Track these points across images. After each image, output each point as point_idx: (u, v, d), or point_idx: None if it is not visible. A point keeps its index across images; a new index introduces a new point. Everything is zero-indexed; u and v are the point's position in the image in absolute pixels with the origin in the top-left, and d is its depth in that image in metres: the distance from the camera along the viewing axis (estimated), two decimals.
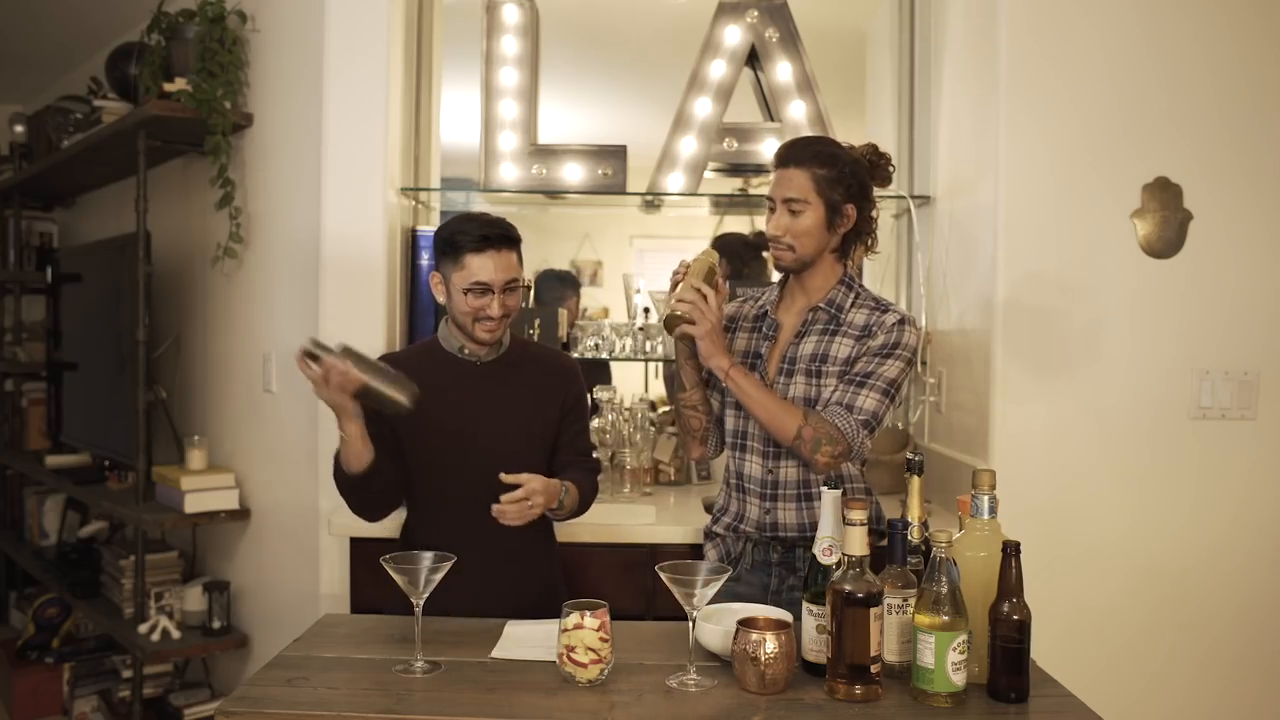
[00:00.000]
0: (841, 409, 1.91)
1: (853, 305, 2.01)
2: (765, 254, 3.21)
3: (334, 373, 1.80)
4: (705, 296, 1.89)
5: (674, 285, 1.97)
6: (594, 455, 2.20)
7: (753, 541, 2.05)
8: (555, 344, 2.87)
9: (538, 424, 2.09)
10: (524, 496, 1.89)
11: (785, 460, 2.00)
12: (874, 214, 2.03)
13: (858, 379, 1.93)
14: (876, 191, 2.10)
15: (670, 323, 1.92)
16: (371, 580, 2.18)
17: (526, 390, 2.08)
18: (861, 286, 2.05)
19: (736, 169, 2.94)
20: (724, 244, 3.23)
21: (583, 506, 2.10)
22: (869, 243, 2.05)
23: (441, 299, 2.05)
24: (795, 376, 1.99)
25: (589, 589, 2.20)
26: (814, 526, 1.98)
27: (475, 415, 2.03)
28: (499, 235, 1.96)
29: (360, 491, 1.99)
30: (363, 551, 2.38)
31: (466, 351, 2.07)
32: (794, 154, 1.98)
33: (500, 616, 1.89)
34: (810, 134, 2.13)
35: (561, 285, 3.25)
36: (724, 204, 3.09)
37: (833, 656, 1.52)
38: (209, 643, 3.04)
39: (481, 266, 1.95)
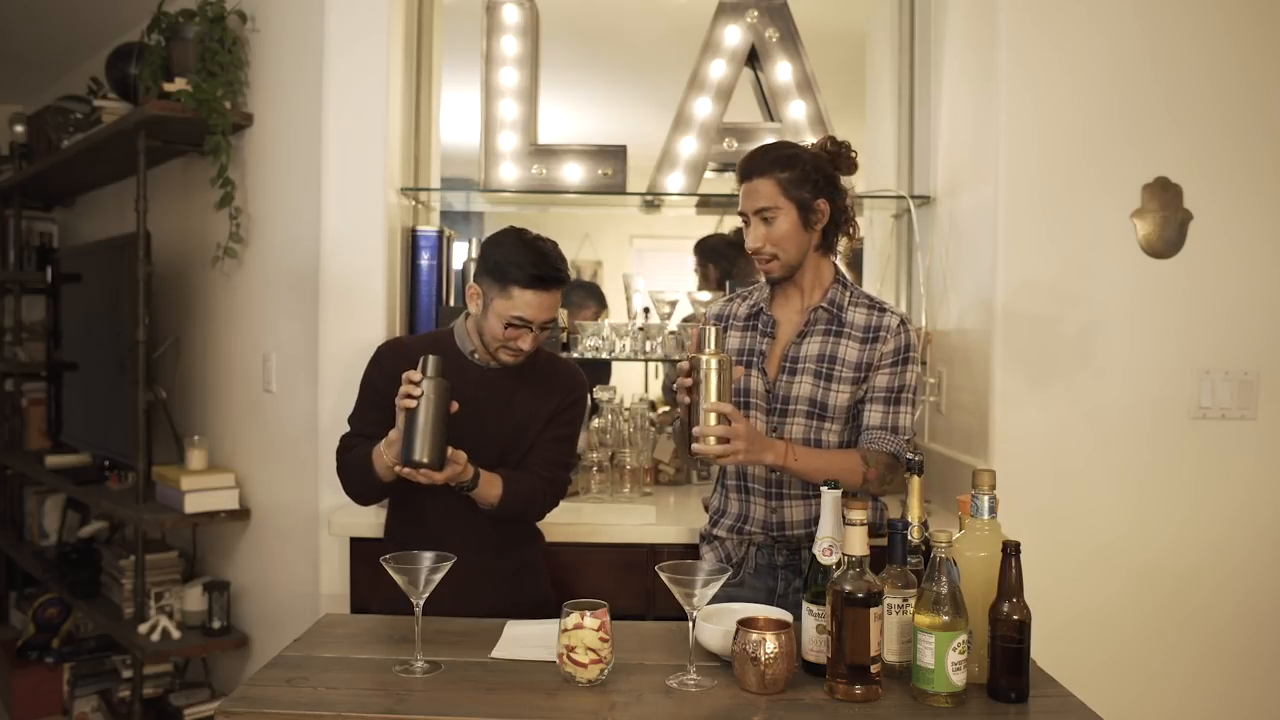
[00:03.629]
0: (887, 433, 1.96)
1: (850, 304, 2.03)
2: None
3: (405, 388, 1.83)
4: (728, 417, 1.77)
5: (681, 392, 1.82)
6: (562, 471, 2.10)
7: (756, 545, 2.05)
8: (555, 343, 2.87)
9: (530, 432, 2.08)
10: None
11: None
12: (848, 203, 2.04)
13: (890, 397, 1.97)
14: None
15: (701, 456, 1.79)
16: (372, 580, 2.18)
17: (526, 398, 2.07)
18: (854, 285, 2.07)
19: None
20: (708, 247, 3.25)
21: (508, 502, 1.99)
22: (850, 232, 2.05)
23: (475, 310, 2.02)
24: (800, 376, 1.99)
25: (589, 589, 2.20)
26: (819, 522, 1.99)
27: (474, 419, 2.02)
28: (552, 276, 1.95)
29: (369, 487, 2.02)
30: (363, 551, 2.38)
31: (477, 356, 2.06)
32: (754, 164, 1.98)
33: (483, 617, 1.88)
34: (775, 140, 2.08)
35: (586, 296, 3.26)
36: (723, 203, 3.09)
37: (833, 656, 1.52)
38: (209, 643, 3.04)
39: (528, 304, 1.93)
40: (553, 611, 1.87)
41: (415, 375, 1.84)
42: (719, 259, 3.21)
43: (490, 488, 1.97)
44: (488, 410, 2.04)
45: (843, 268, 2.09)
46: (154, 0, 3.11)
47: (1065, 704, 1.54)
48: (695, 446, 1.78)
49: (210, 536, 3.34)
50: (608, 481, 2.77)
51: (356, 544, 2.41)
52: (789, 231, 1.96)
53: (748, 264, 3.18)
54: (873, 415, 1.98)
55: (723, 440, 1.77)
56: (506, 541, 2.08)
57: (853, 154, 2.05)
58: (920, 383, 1.98)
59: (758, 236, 1.97)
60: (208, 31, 2.99)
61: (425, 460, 1.81)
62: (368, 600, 2.20)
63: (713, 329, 1.82)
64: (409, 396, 1.82)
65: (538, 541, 2.20)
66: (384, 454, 1.92)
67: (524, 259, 1.94)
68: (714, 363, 1.77)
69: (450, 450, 1.85)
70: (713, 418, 1.77)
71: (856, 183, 2.90)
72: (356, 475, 2.02)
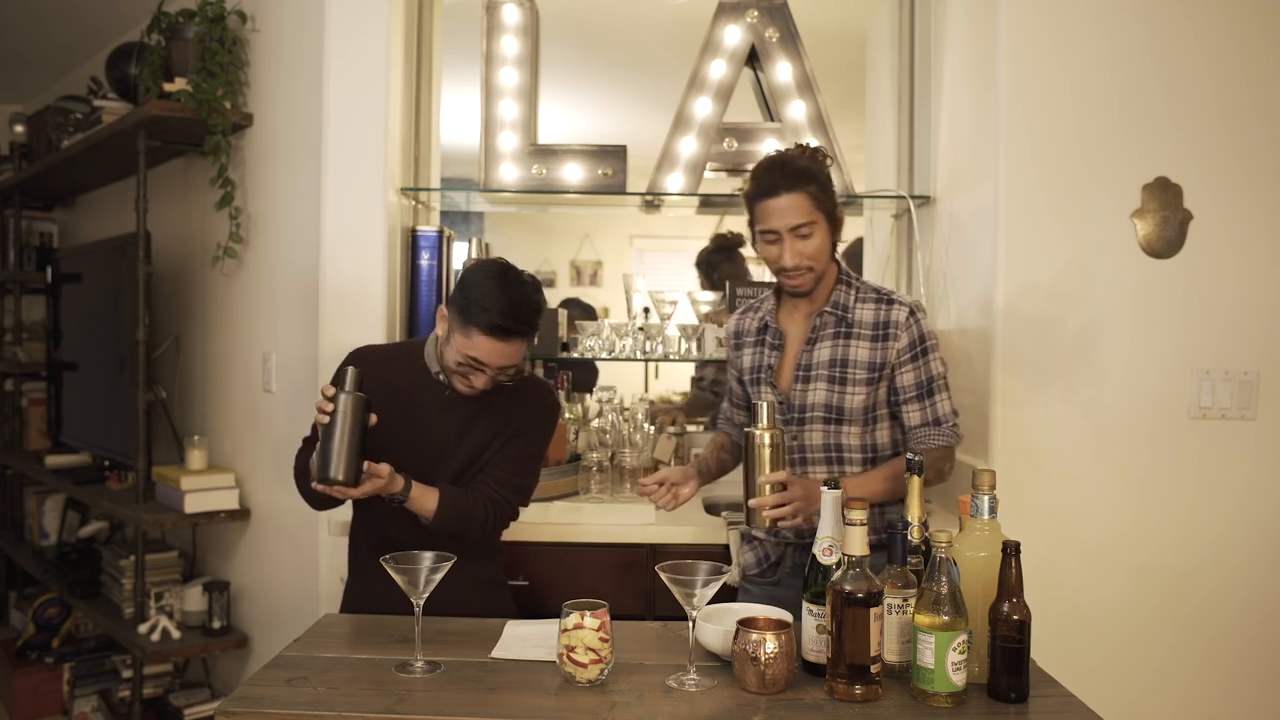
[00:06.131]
0: (930, 428, 1.99)
1: (856, 301, 2.02)
2: (741, 250, 3.25)
3: (319, 401, 1.80)
4: (785, 485, 1.84)
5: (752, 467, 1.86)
6: (512, 493, 2.03)
7: (793, 545, 2.06)
8: (554, 344, 2.88)
9: (488, 453, 2.04)
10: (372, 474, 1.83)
11: (813, 469, 2.02)
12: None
13: (921, 392, 1.99)
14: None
15: (761, 525, 1.90)
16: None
17: (488, 422, 2.03)
18: (857, 279, 2.06)
19: (736, 169, 2.94)
20: (701, 260, 3.28)
21: (443, 518, 1.94)
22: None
23: (440, 333, 1.97)
24: (814, 383, 1.99)
25: (589, 589, 2.20)
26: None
27: (436, 438, 2.00)
28: (516, 329, 1.87)
29: (311, 497, 1.99)
30: None
31: (443, 377, 2.00)
32: (783, 180, 1.92)
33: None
34: (766, 159, 2.02)
35: (581, 315, 3.28)
36: (723, 203, 3.10)
37: (833, 656, 1.52)
38: (209, 643, 3.04)
39: (485, 350, 1.87)
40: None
41: (329, 389, 1.79)
42: (712, 267, 3.26)
43: (426, 501, 1.92)
44: (447, 432, 2.01)
45: (843, 264, 2.09)
46: (154, 0, 3.11)
47: (1065, 704, 1.54)
48: (757, 518, 1.85)
49: (210, 536, 3.34)
50: (608, 481, 2.77)
51: None
52: (822, 245, 1.96)
53: (732, 267, 3.23)
54: (911, 415, 2.00)
55: (780, 505, 1.83)
56: (472, 550, 2.00)
57: (828, 156, 2.05)
58: (947, 364, 2.01)
59: (795, 253, 1.93)
60: (208, 31, 2.99)
61: (339, 478, 1.79)
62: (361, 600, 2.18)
63: (764, 404, 1.85)
64: (323, 412, 1.78)
65: (498, 559, 2.15)
66: (313, 467, 1.89)
67: (492, 304, 1.85)
68: (766, 438, 1.84)
69: (369, 465, 1.82)
70: (768, 489, 1.83)
71: (856, 183, 2.91)
72: (301, 483, 2.00)
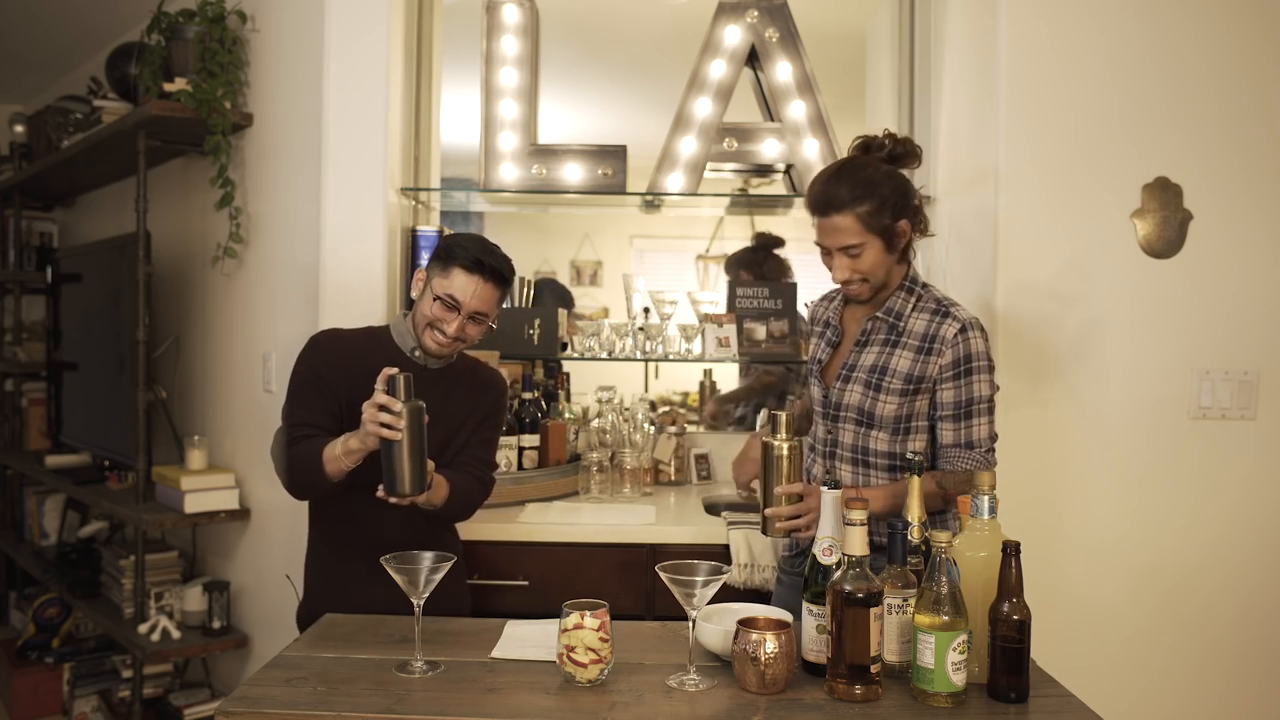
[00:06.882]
0: (961, 450, 1.94)
1: (913, 310, 1.98)
2: (776, 251, 3.26)
3: (383, 417, 1.78)
4: (801, 496, 1.85)
5: (763, 468, 1.87)
6: (490, 470, 2.15)
7: None
8: (554, 344, 2.88)
9: (464, 432, 2.10)
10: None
11: (843, 466, 2.03)
12: (918, 202, 1.98)
13: (959, 413, 1.93)
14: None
15: (778, 534, 1.92)
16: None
17: (460, 400, 2.09)
18: (923, 287, 2.01)
19: (737, 169, 2.94)
20: (737, 260, 3.28)
21: (452, 503, 2.01)
22: (922, 228, 2.00)
23: (414, 294, 2.04)
24: (852, 385, 1.99)
25: (589, 589, 2.20)
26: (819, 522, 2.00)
27: None
28: (492, 268, 1.98)
29: (315, 486, 1.97)
30: None
31: (418, 354, 2.05)
32: (831, 198, 1.89)
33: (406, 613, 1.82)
34: (832, 165, 1.98)
35: (558, 299, 3.27)
36: (742, 203, 3.10)
37: (833, 656, 1.52)
38: (209, 643, 3.04)
39: (462, 286, 1.96)
40: (469, 608, 2.10)
41: (394, 403, 1.78)
42: (750, 267, 3.27)
43: (438, 489, 1.97)
44: (427, 410, 2.02)
45: (913, 273, 2.03)
46: (154, 0, 3.11)
47: (1065, 704, 1.54)
48: (771, 528, 1.88)
49: (210, 536, 3.34)
50: (608, 481, 2.77)
51: None
52: (876, 259, 1.92)
53: (776, 264, 3.24)
54: (945, 434, 1.95)
55: (796, 516, 1.86)
56: (439, 540, 2.05)
57: (917, 148, 2.00)
58: (995, 387, 1.96)
59: (844, 268, 1.92)
60: (208, 31, 2.99)
61: (411, 490, 1.81)
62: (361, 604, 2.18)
63: (784, 415, 1.85)
64: (391, 427, 1.77)
65: (459, 548, 2.20)
66: (341, 460, 1.88)
67: (471, 245, 1.99)
68: (785, 449, 1.85)
69: None
70: (784, 500, 1.86)
71: None
72: (304, 470, 1.95)
